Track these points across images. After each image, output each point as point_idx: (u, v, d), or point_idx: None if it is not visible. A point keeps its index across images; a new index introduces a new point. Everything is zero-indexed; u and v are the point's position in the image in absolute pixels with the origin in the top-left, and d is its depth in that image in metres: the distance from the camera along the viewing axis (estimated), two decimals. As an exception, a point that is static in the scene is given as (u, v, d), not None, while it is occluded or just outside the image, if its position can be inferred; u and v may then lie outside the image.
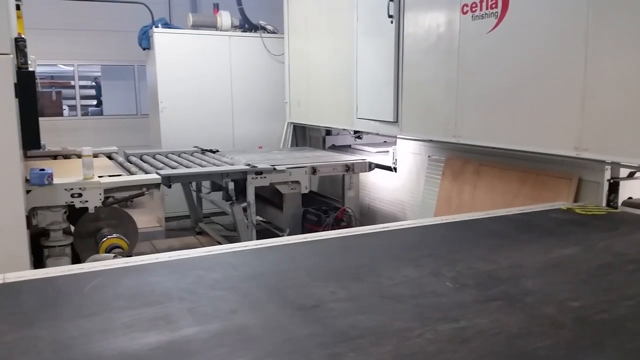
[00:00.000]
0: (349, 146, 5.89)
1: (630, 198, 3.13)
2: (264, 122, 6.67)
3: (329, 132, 6.05)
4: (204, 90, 6.37)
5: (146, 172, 4.20)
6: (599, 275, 1.88)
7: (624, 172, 3.14)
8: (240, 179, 4.44)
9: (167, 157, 5.02)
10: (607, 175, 3.12)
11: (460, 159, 4.09)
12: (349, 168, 4.73)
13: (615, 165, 3.08)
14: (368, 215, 5.10)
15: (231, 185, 4.84)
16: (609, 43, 2.73)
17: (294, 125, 6.36)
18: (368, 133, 5.01)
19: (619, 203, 3.10)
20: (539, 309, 1.58)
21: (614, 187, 3.12)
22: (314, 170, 4.60)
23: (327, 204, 4.97)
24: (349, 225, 4.54)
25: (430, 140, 4.28)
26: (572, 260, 2.04)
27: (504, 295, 1.68)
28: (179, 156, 5.13)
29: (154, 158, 4.98)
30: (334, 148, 5.94)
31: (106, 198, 3.74)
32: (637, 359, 1.32)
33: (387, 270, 1.93)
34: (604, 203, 3.10)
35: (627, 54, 2.65)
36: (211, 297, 1.67)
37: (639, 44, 2.60)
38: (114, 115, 9.12)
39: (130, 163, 4.67)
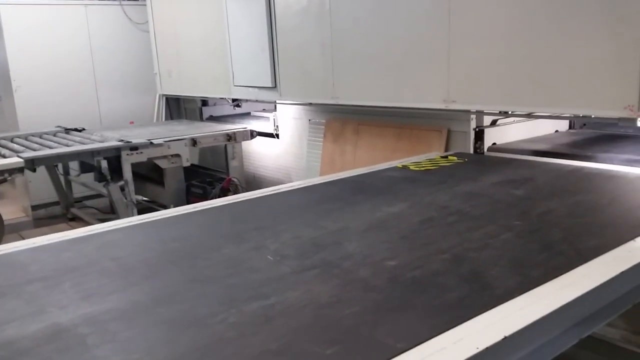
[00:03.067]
0: (249, 113, 5.74)
1: (494, 144, 3.42)
2: (134, 96, 6.29)
3: (205, 102, 5.88)
4: (62, 65, 5.85)
5: (5, 157, 3.80)
6: (419, 230, 1.87)
7: (487, 121, 3.42)
8: (113, 157, 4.18)
9: (27, 140, 4.58)
10: (473, 124, 3.38)
11: (340, 120, 4.19)
12: (230, 137, 4.65)
13: (479, 115, 3.35)
14: (254, 184, 5.07)
15: (104, 164, 4.54)
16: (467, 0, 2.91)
17: (166, 98, 6.10)
18: (247, 100, 4.94)
19: (485, 149, 3.37)
20: (354, 273, 1.53)
21: (479, 135, 3.38)
22: (194, 142, 4.46)
23: (211, 176, 4.86)
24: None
25: (310, 104, 4.33)
26: (397, 217, 2.02)
27: (322, 262, 1.62)
28: (41, 137, 4.70)
29: (11, 142, 4.52)
30: (213, 119, 5.80)
31: (-40, 189, 3.34)
32: (439, 315, 1.28)
33: (206, 250, 1.80)
34: (471, 150, 3.36)
35: (484, 9, 2.85)
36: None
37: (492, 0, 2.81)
38: (-44, 99, 8.09)
39: (-15, 149, 4.19)
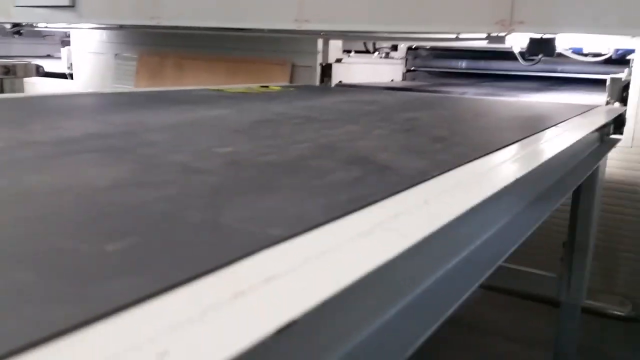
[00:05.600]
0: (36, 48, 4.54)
1: (340, 82, 3.14)
2: None
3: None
4: None
5: None
6: (256, 127, 1.28)
7: (332, 59, 3.13)
8: None
9: None
10: (319, 59, 3.06)
11: (157, 55, 3.51)
12: (9, 70, 3.60)
13: (326, 50, 3.05)
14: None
15: None
16: None
17: None
18: (33, 26, 3.90)
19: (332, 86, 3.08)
20: (163, 158, 0.88)
21: (326, 70, 3.07)
22: (-48, 72, 3.34)
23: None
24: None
25: (121, 27, 3.55)
26: (220, 118, 1.41)
27: (107, 147, 0.95)
28: None
29: None
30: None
31: None
32: (336, 194, 0.72)
33: None
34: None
35: None
36: None
37: None
38: None
39: None
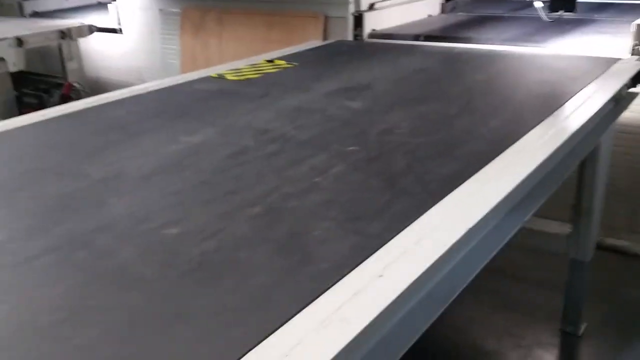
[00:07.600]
0: (82, 7, 4.78)
1: (373, 30, 3.20)
2: None
3: (24, -6, 4.83)
4: None
5: None
6: (225, 170, 1.34)
7: (365, 6, 3.17)
8: None
9: None
10: (352, 9, 3.11)
11: (199, 10, 3.65)
12: (65, 34, 3.86)
13: (357, 2, 3.10)
14: (98, 88, 4.38)
15: None
16: None
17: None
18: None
19: (365, 36, 3.15)
20: (111, 257, 0.96)
21: (358, 20, 3.13)
22: (20, 42, 3.63)
23: (46, 82, 4.07)
24: (80, 103, 3.81)
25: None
26: (198, 152, 1.45)
27: (64, 240, 1.02)
28: None
29: None
30: (38, 15, 4.82)
31: None
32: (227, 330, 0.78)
33: None
34: (351, 37, 3.11)
35: None
36: None
37: None
38: None
39: None
